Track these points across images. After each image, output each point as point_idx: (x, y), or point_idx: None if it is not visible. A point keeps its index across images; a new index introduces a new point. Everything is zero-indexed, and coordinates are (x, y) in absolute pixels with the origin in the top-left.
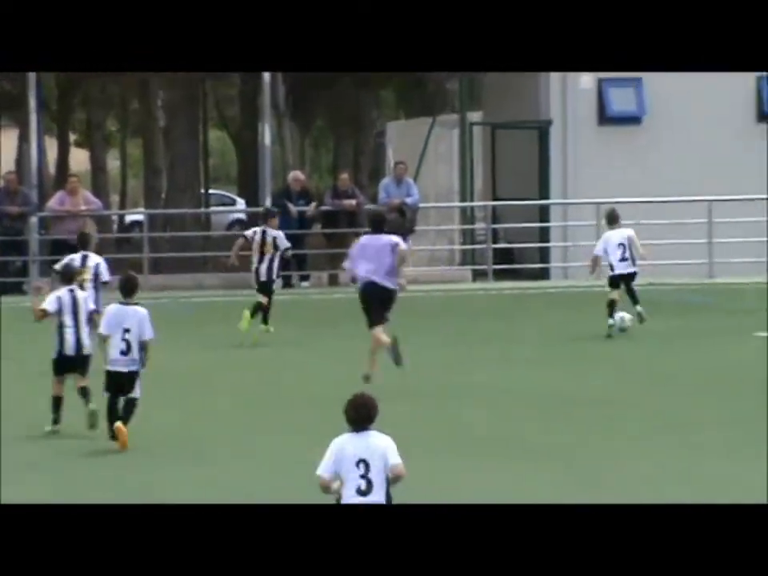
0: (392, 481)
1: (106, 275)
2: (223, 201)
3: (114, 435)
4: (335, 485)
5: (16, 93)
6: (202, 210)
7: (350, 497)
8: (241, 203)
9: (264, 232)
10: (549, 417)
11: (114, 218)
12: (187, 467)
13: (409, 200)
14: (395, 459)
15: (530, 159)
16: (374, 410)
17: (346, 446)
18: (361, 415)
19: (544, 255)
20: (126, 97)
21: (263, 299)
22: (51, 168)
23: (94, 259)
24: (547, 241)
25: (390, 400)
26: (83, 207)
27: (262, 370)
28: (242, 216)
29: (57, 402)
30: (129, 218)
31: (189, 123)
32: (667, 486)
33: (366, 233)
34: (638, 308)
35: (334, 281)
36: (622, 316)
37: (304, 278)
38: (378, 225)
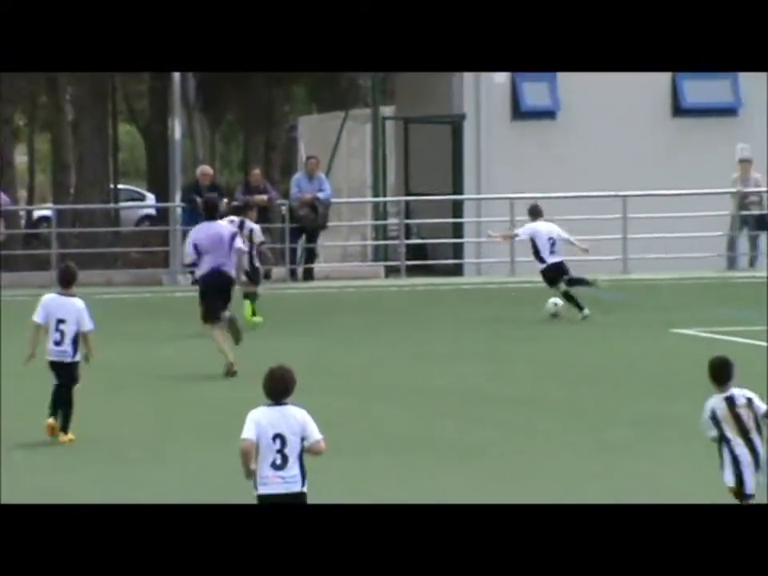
0: (311, 454)
1: None
2: (132, 196)
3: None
4: (252, 464)
5: None
6: (111, 205)
7: (264, 470)
8: (150, 198)
9: (242, 223)
10: (464, 415)
11: (22, 213)
12: (98, 468)
13: (321, 195)
14: (316, 435)
15: (443, 154)
16: (292, 384)
17: (262, 419)
18: (278, 388)
19: (457, 251)
20: (34, 91)
21: (251, 289)
22: None
23: None
24: (461, 237)
25: (301, 397)
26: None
27: (174, 368)
28: (152, 211)
29: None
30: (37, 214)
31: (98, 117)
32: (583, 484)
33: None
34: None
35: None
36: (555, 301)
37: None
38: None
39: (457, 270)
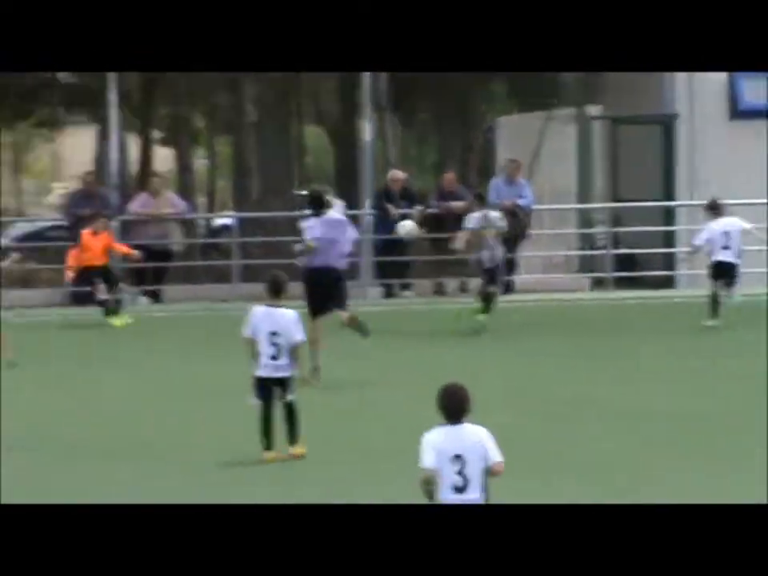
0: (490, 476)
1: None
2: None
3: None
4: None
5: (94, 86)
6: (297, 213)
7: (445, 494)
8: (339, 205)
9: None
10: (679, 438)
11: (201, 221)
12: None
13: (521, 201)
14: (496, 457)
15: (653, 157)
16: (468, 401)
17: (440, 440)
18: (455, 406)
19: (669, 262)
20: (214, 91)
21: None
22: (133, 168)
23: None
24: (673, 246)
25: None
26: (168, 210)
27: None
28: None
29: None
30: (217, 222)
31: (282, 119)
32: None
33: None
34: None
35: (439, 290)
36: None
37: (406, 286)
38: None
39: (668, 282)
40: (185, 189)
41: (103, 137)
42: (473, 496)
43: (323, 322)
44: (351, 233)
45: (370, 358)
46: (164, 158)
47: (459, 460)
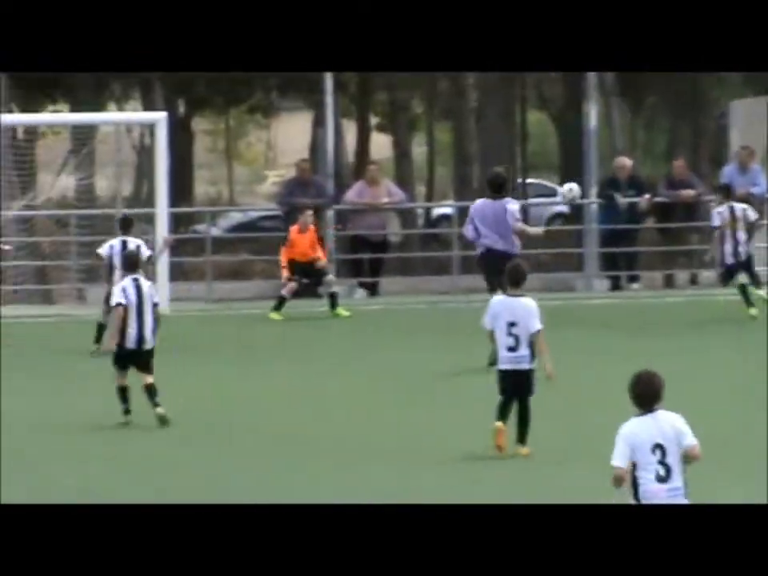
0: (686, 461)
1: (146, 254)
2: (543, 191)
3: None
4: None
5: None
6: (520, 201)
7: (648, 485)
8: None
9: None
10: None
11: (420, 211)
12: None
13: (755, 190)
14: (691, 440)
15: None
16: (662, 387)
17: (638, 431)
18: (649, 394)
19: None
20: (433, 75)
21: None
22: (349, 155)
23: (134, 242)
24: None
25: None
26: (385, 199)
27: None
28: (564, 209)
29: (122, 392)
30: (436, 212)
31: (504, 104)
32: None
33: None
34: None
35: (669, 282)
36: None
37: (634, 278)
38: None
39: None
40: (403, 177)
41: (319, 123)
42: (676, 484)
43: None
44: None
45: (600, 352)
46: (381, 145)
47: (660, 449)
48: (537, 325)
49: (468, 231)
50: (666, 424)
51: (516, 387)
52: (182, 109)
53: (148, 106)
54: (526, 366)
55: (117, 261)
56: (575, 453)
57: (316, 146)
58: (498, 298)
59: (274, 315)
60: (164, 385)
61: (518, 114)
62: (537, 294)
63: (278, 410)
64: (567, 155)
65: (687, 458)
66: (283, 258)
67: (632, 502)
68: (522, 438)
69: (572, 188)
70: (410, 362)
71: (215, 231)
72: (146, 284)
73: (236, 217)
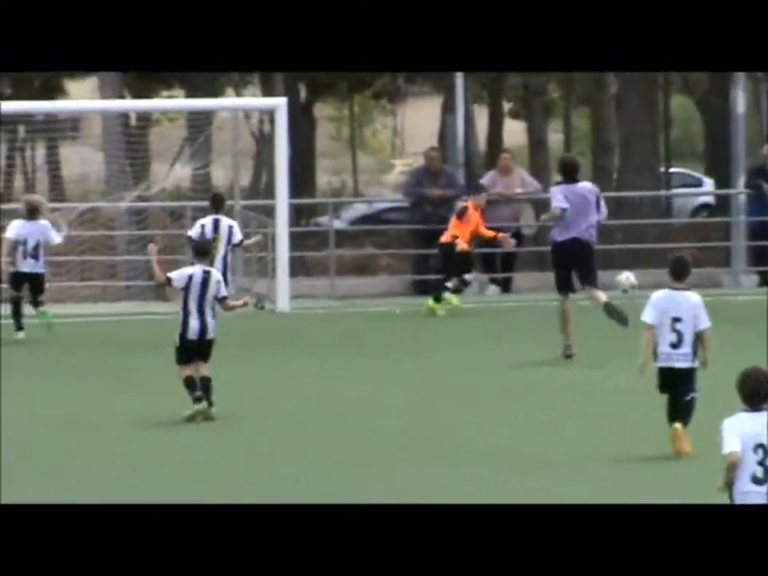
0: None
1: (237, 236)
2: (687, 181)
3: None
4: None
5: None
6: (662, 192)
7: (744, 485)
8: (708, 184)
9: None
10: None
11: None
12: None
13: None
14: None
15: None
16: None
17: (741, 427)
18: (758, 391)
19: None
20: None
21: None
22: (480, 143)
23: (226, 222)
24: None
25: None
26: (518, 190)
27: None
28: (710, 199)
29: (190, 383)
30: None
31: (646, 90)
32: None
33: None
34: None
35: None
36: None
37: None
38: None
39: None
40: (537, 166)
41: (448, 109)
42: None
43: (570, 300)
44: (602, 208)
45: (747, 350)
46: (515, 132)
47: (762, 449)
48: (706, 321)
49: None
50: None
51: (677, 385)
52: (303, 94)
53: (267, 92)
54: (688, 363)
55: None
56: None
57: (445, 134)
58: (662, 292)
59: (453, 300)
60: (282, 383)
61: (661, 99)
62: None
63: (400, 411)
64: (713, 142)
65: None
66: (452, 230)
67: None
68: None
69: (629, 276)
70: (540, 364)
71: (338, 224)
72: (214, 277)
73: (360, 209)
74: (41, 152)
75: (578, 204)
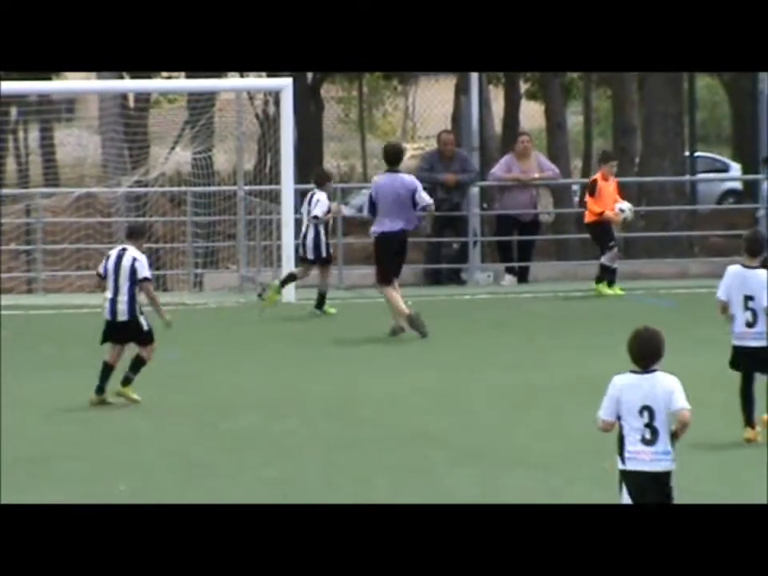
0: (677, 427)
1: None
2: (713, 166)
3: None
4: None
5: None
6: (687, 177)
7: (633, 446)
8: (735, 169)
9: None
10: None
11: (575, 188)
12: None
13: None
14: (681, 402)
15: None
16: (663, 346)
17: (628, 388)
18: (647, 352)
19: None
20: None
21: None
22: (497, 126)
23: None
24: None
25: None
26: (536, 174)
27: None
28: (737, 185)
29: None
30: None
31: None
32: None
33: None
34: None
35: None
36: None
37: None
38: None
39: None
40: (556, 150)
41: (462, 90)
42: (663, 448)
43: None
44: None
45: None
46: (532, 114)
47: (647, 411)
48: (765, 300)
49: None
50: (660, 386)
51: (757, 365)
52: (309, 74)
53: (272, 72)
54: (761, 343)
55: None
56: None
57: (459, 116)
58: (734, 268)
59: (602, 288)
60: (286, 375)
61: (686, 79)
62: (708, 281)
63: (415, 405)
64: (740, 126)
65: (677, 423)
66: (595, 209)
67: (617, 459)
68: (748, 419)
69: (623, 208)
70: (559, 358)
71: (347, 211)
72: (129, 256)
73: None
74: (34, 134)
75: (392, 198)
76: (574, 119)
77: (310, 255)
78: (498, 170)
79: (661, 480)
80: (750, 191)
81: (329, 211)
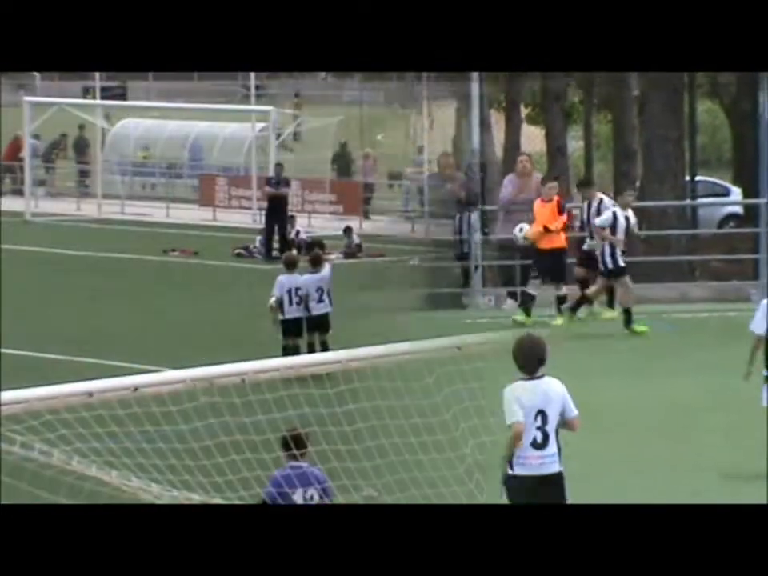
0: (566, 429)
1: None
2: (714, 190)
3: None
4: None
5: None
6: (687, 202)
7: (523, 450)
8: (736, 193)
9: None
10: None
11: (576, 212)
12: None
13: None
14: (574, 410)
15: None
16: (546, 350)
17: (524, 393)
18: (533, 358)
19: None
20: None
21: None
22: (497, 150)
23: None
24: None
25: None
26: (534, 195)
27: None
28: (738, 209)
29: None
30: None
31: (671, 93)
32: None
33: None
34: None
35: None
36: None
37: None
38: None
39: None
40: (557, 174)
41: (463, 114)
42: (551, 451)
43: None
44: None
45: None
46: (533, 138)
47: (541, 415)
48: None
49: None
50: (552, 391)
51: None
52: None
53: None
54: None
55: None
56: None
57: (460, 140)
58: None
59: (560, 320)
60: None
61: (686, 103)
62: (709, 305)
63: None
64: (741, 149)
65: (567, 427)
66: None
67: (506, 465)
68: None
69: (522, 227)
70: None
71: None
72: None
73: None
74: None
75: None
76: (575, 144)
77: None
78: (504, 194)
79: (553, 481)
80: (750, 215)
81: None
